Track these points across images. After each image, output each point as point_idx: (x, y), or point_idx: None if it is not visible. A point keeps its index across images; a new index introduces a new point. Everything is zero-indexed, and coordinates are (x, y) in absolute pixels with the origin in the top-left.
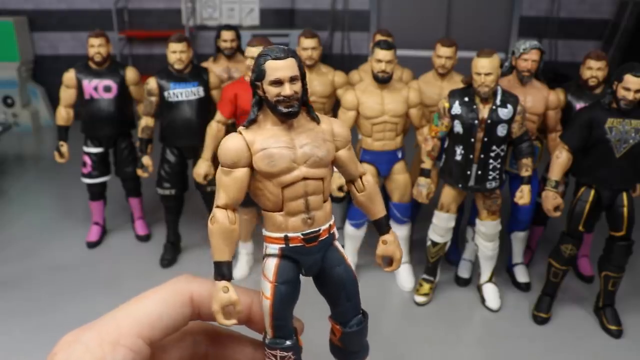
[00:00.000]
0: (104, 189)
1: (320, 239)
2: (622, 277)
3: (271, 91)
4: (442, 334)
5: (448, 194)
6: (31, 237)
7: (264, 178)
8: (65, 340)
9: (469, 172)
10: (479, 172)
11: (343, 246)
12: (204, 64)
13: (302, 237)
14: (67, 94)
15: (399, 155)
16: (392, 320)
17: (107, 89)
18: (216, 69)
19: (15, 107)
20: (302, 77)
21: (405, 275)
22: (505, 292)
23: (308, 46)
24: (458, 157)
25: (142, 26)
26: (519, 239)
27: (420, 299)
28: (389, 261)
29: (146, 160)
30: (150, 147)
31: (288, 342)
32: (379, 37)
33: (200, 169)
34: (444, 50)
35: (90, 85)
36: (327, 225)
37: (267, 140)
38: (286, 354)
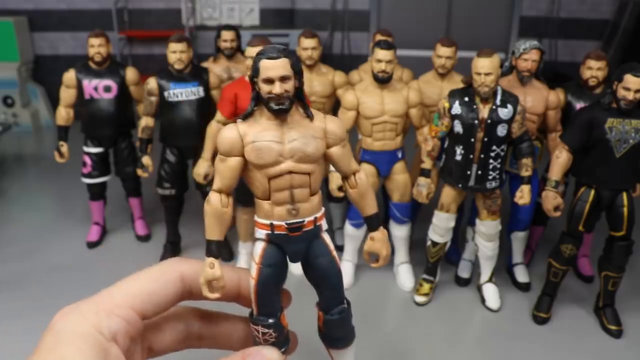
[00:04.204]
0: (104, 189)
1: (304, 229)
2: (622, 277)
3: (264, 88)
4: (442, 334)
5: (448, 194)
6: (31, 237)
7: (254, 168)
8: (64, 311)
9: (469, 172)
10: (479, 172)
11: (342, 245)
12: (204, 64)
13: (286, 226)
14: (67, 94)
15: (399, 155)
16: (392, 320)
17: (107, 89)
18: (216, 69)
19: (15, 107)
20: (299, 75)
21: (405, 275)
22: (505, 292)
23: (308, 46)
24: (458, 157)
25: (142, 26)
26: (519, 239)
27: (420, 299)
28: (377, 258)
29: (146, 160)
30: (150, 147)
31: (270, 320)
32: (379, 37)
33: (200, 169)
34: (444, 50)
35: (90, 85)
36: (312, 218)
37: (258, 134)
38: (267, 330)
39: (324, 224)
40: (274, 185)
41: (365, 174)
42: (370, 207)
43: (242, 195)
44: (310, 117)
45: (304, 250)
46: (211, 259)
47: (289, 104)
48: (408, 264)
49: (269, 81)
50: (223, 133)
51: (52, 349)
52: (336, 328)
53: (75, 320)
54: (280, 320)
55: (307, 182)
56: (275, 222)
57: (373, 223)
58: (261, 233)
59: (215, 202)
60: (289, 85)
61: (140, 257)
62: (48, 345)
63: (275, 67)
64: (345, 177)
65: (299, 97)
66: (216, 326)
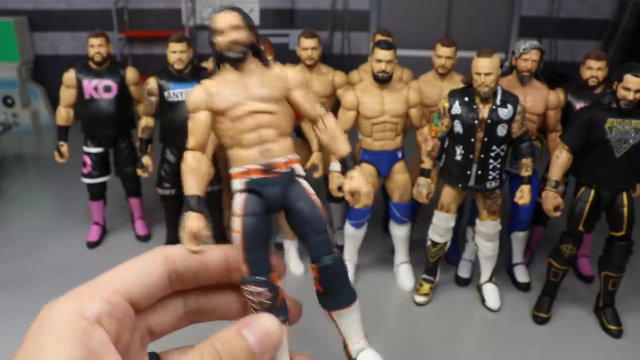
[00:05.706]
0: (104, 189)
1: (278, 170)
2: (622, 277)
3: (218, 41)
4: (442, 334)
5: (448, 194)
6: (31, 237)
7: (221, 116)
8: (51, 302)
9: (469, 172)
10: (479, 172)
11: (343, 246)
12: (204, 64)
13: (260, 168)
14: (67, 94)
15: (399, 155)
16: (392, 320)
17: (107, 89)
18: None
19: (15, 107)
20: (254, 31)
21: (405, 275)
22: (505, 292)
23: (308, 46)
24: (458, 157)
25: (142, 26)
26: (519, 239)
27: (420, 299)
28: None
29: (146, 160)
30: (150, 147)
31: (262, 278)
32: (379, 37)
33: None
34: (444, 50)
35: (90, 85)
36: (284, 159)
37: (221, 84)
38: (261, 289)
39: (298, 169)
40: (243, 127)
41: (334, 117)
42: (343, 147)
43: None
44: (267, 65)
45: (280, 195)
46: (189, 212)
47: (242, 52)
48: (408, 264)
49: (221, 32)
50: (190, 94)
51: (34, 338)
52: (331, 276)
53: (59, 308)
54: (273, 280)
55: (272, 122)
56: (250, 167)
57: (348, 162)
58: (239, 183)
59: (189, 160)
60: (240, 34)
61: None
62: (31, 335)
63: (224, 18)
64: (313, 122)
65: (256, 53)
66: (214, 298)
